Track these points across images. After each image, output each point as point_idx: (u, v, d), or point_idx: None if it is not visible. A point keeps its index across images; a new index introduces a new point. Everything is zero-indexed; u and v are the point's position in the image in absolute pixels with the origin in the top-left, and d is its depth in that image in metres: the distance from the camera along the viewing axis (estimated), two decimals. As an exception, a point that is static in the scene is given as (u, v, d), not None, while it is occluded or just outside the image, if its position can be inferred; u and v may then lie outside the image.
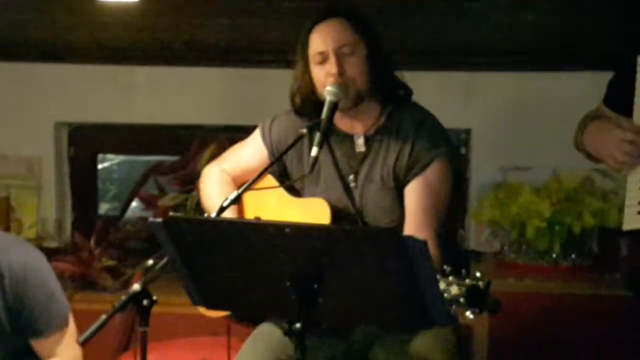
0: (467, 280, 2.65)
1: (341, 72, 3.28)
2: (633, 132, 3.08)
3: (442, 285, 2.67)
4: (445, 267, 2.69)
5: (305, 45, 3.38)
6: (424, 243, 2.54)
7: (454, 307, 2.65)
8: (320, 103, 3.32)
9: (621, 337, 4.33)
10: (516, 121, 5.05)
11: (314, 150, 3.23)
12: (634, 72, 3.16)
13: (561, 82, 4.97)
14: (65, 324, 3.47)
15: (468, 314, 2.65)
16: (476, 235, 5.09)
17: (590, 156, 3.38)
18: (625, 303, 4.43)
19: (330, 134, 3.33)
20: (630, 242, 3.44)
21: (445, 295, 2.65)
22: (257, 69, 5.12)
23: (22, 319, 3.42)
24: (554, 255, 4.74)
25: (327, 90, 3.29)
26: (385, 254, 2.62)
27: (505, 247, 4.88)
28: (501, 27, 4.71)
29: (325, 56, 3.32)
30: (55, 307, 3.46)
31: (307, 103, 3.41)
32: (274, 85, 4.83)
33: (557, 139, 4.98)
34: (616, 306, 4.49)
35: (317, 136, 3.24)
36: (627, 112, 3.16)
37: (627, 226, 3.19)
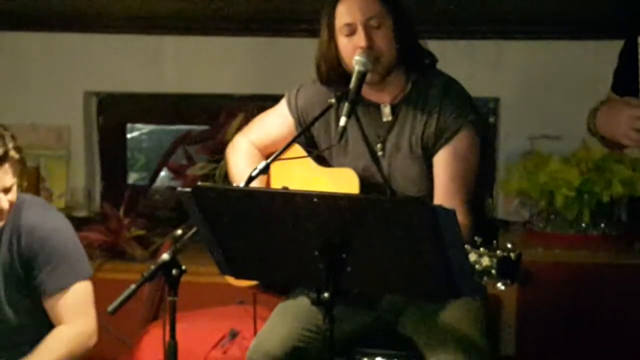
0: (499, 252, 2.65)
1: (370, 45, 3.27)
2: None
3: (473, 257, 2.68)
4: (476, 238, 2.70)
5: (331, 16, 3.36)
6: (452, 212, 2.55)
7: (485, 278, 2.67)
8: (347, 73, 3.33)
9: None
10: (545, 90, 5.04)
11: (343, 120, 3.21)
12: (637, 53, 3.17)
13: (590, 51, 4.95)
14: (70, 288, 3.54)
15: (499, 285, 2.66)
16: (505, 204, 5.08)
17: (605, 141, 3.38)
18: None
19: (358, 105, 3.33)
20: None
21: (477, 266, 2.67)
22: (284, 38, 5.12)
23: (33, 275, 3.48)
24: (583, 225, 4.73)
25: (356, 60, 3.28)
26: (414, 223, 2.62)
27: (534, 217, 4.87)
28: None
29: (353, 28, 3.31)
30: (65, 270, 3.54)
31: (333, 73, 3.41)
32: (301, 54, 4.81)
33: (587, 107, 4.94)
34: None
35: (346, 106, 3.22)
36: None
37: None
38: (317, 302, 2.70)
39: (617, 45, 4.81)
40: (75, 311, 3.54)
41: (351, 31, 3.31)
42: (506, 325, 4.50)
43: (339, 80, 3.38)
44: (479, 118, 3.44)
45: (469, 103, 3.43)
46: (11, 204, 3.42)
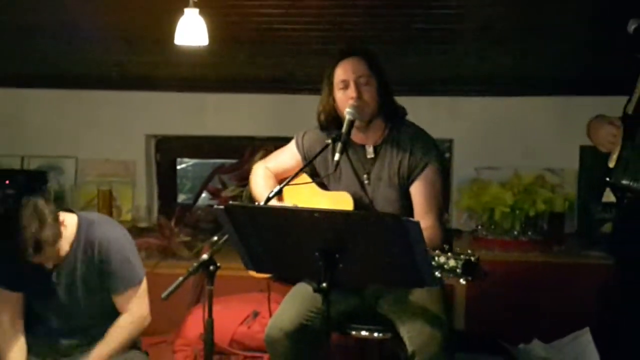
0: (462, 256, 2.67)
1: (359, 96, 3.30)
2: (617, 128, 3.21)
3: (442, 259, 2.69)
4: (445, 245, 2.73)
5: (331, 75, 3.38)
6: (417, 223, 2.56)
7: (451, 275, 2.68)
8: (340, 120, 3.35)
9: (564, 292, 4.32)
10: (487, 133, 5.03)
11: (337, 156, 3.24)
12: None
13: (521, 105, 4.95)
14: (137, 285, 3.49)
15: (462, 281, 2.67)
16: (457, 217, 5.07)
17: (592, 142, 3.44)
18: (569, 268, 4.44)
19: (348, 145, 3.34)
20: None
21: (445, 266, 2.68)
22: (294, 95, 5.11)
23: (104, 277, 3.43)
24: (515, 233, 4.72)
25: (347, 111, 3.31)
26: (389, 232, 2.63)
27: (479, 227, 4.85)
28: (476, 64, 4.72)
29: (347, 84, 3.33)
30: (129, 271, 3.47)
31: (329, 120, 3.43)
32: (305, 106, 4.80)
33: (518, 147, 4.98)
34: (561, 270, 4.47)
35: (339, 145, 3.25)
36: None
37: (603, 199, 3.32)
38: (317, 290, 2.71)
39: (542, 100, 4.86)
40: (134, 302, 3.50)
41: (345, 86, 3.33)
42: (458, 306, 4.48)
43: (333, 126, 3.40)
44: (440, 155, 3.46)
45: (432, 144, 3.44)
46: (59, 253, 3.35)
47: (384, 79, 3.41)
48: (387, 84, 3.42)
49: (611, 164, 3.22)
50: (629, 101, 3.27)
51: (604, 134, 3.25)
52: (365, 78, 3.34)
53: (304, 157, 3.55)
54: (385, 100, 3.40)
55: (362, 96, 3.32)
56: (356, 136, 3.42)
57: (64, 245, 3.36)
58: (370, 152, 3.45)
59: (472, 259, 2.65)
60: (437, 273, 2.74)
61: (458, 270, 2.66)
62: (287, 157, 3.62)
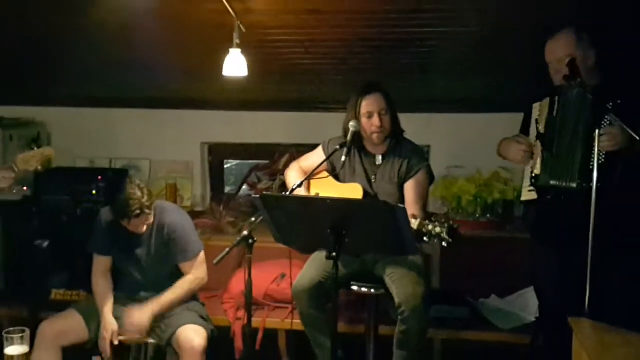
0: (446, 224, 2.83)
1: (381, 125, 3.43)
2: (527, 145, 3.23)
3: (430, 227, 2.85)
4: (433, 218, 2.87)
5: (357, 105, 3.47)
6: (404, 209, 2.64)
7: (436, 240, 2.83)
8: (361, 134, 3.51)
9: (514, 260, 4.32)
10: (456, 141, 5.03)
11: (343, 158, 3.41)
12: (530, 113, 3.31)
13: (482, 119, 4.94)
14: (196, 256, 3.59)
15: (444, 244, 2.82)
16: (433, 204, 5.07)
17: (503, 158, 3.48)
18: (517, 242, 4.44)
19: (361, 151, 3.54)
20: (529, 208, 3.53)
21: (432, 232, 2.84)
22: (311, 112, 5.13)
23: (172, 251, 3.52)
24: (477, 216, 4.74)
25: (351, 124, 3.41)
26: (383, 215, 2.67)
27: (449, 211, 4.87)
28: (448, 88, 4.73)
29: (371, 115, 3.45)
30: (189, 247, 3.58)
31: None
32: (322, 122, 4.86)
33: (480, 151, 4.95)
34: (512, 244, 4.48)
35: (344, 150, 3.43)
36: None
37: (523, 198, 3.35)
38: (329, 257, 2.75)
39: (499, 117, 4.84)
40: (195, 268, 3.59)
41: (370, 116, 3.45)
42: (434, 271, 4.49)
43: (355, 137, 3.50)
44: (430, 166, 3.57)
45: (424, 156, 3.63)
46: (149, 225, 3.50)
47: (395, 109, 3.51)
48: (396, 112, 3.52)
49: (537, 172, 3.23)
50: (526, 120, 3.31)
51: (515, 151, 3.28)
52: (385, 110, 3.45)
53: (329, 159, 3.63)
54: (395, 124, 3.52)
55: (383, 125, 3.43)
56: (370, 148, 3.56)
57: (152, 216, 3.49)
58: (379, 160, 3.56)
59: (455, 225, 2.81)
60: (425, 238, 2.87)
61: (443, 235, 2.78)
62: (316, 159, 3.69)
